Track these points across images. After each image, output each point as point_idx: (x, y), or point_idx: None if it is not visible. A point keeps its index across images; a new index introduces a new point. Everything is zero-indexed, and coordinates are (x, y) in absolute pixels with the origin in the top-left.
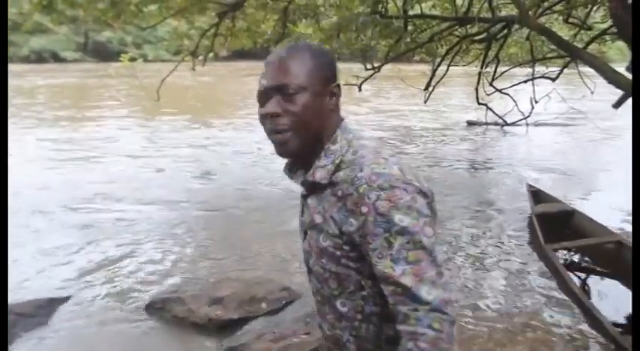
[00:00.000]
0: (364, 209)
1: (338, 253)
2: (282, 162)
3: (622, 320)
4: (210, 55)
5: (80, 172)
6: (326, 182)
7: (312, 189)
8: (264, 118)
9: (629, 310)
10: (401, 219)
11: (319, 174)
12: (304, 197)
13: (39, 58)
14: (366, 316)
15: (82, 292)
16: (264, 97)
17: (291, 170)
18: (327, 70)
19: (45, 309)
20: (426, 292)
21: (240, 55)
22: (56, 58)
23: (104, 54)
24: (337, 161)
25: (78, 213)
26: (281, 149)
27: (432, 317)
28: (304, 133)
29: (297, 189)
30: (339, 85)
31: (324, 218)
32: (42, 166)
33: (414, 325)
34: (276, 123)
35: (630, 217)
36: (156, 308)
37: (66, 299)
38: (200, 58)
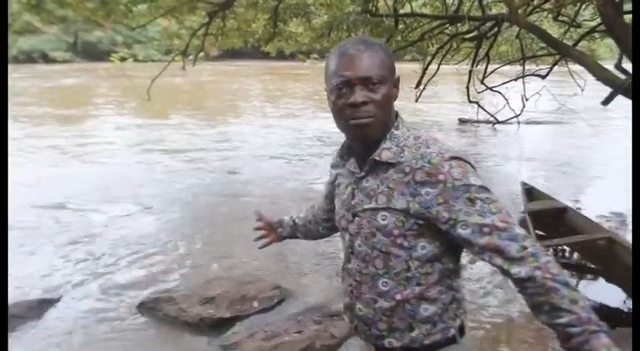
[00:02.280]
0: (441, 177)
1: (396, 231)
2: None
3: (611, 317)
4: (201, 54)
5: (71, 171)
6: (394, 161)
7: (373, 170)
8: (348, 107)
9: (619, 305)
10: (475, 180)
11: (385, 154)
12: (357, 181)
13: (28, 58)
14: (405, 296)
15: (72, 292)
16: (344, 86)
17: (342, 158)
18: (392, 63)
19: (35, 310)
20: (519, 229)
21: (231, 54)
22: (46, 59)
23: (94, 54)
24: (401, 144)
25: (68, 212)
26: (364, 133)
27: (539, 247)
28: (383, 119)
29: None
30: (399, 77)
31: (390, 196)
32: (42, 163)
33: (534, 261)
34: (362, 110)
35: (621, 215)
36: (147, 308)
37: (56, 300)
38: (190, 57)
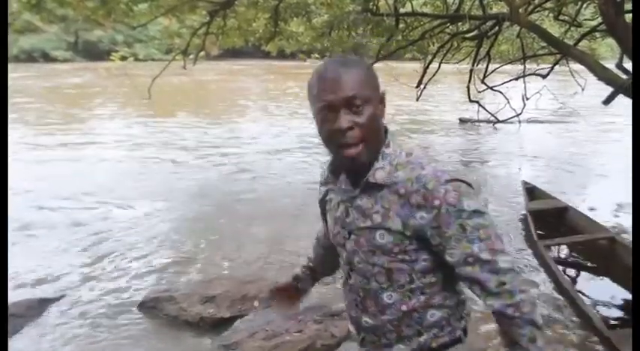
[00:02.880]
0: (436, 202)
1: (396, 248)
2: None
3: (613, 316)
4: (202, 53)
5: (72, 169)
6: (388, 182)
7: (366, 190)
8: (334, 133)
9: (620, 305)
10: (469, 204)
11: (379, 175)
12: (350, 199)
13: (29, 57)
14: (412, 306)
15: (73, 291)
16: (327, 111)
17: (334, 174)
18: (375, 79)
19: (36, 309)
20: (503, 261)
21: (231, 53)
22: (46, 58)
23: (95, 53)
24: (394, 163)
25: (67, 211)
26: (354, 162)
27: (518, 281)
28: (373, 142)
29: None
30: (384, 93)
31: (385, 216)
32: (50, 161)
33: (509, 298)
34: (348, 136)
35: (622, 213)
36: (148, 307)
37: (57, 299)
38: (191, 56)
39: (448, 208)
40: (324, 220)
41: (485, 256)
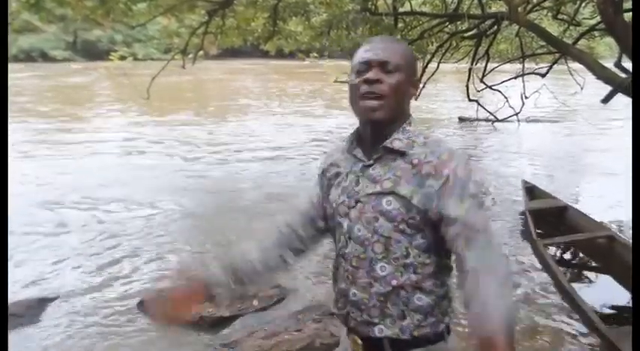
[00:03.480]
0: (446, 171)
1: (399, 217)
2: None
3: (612, 314)
4: (201, 53)
5: (73, 169)
6: (404, 150)
7: (381, 159)
8: (363, 82)
9: (619, 303)
10: (472, 187)
11: (397, 143)
12: (362, 169)
13: (27, 56)
14: (402, 282)
15: (72, 291)
16: (363, 68)
17: (351, 144)
18: (414, 65)
19: (35, 309)
20: (491, 235)
21: (230, 53)
22: (45, 57)
23: (94, 53)
24: (412, 139)
25: (66, 210)
26: (373, 111)
27: (497, 252)
28: (393, 104)
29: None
30: (419, 81)
31: (396, 183)
32: (42, 161)
33: (488, 260)
34: (374, 87)
35: (621, 212)
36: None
37: (56, 299)
38: (190, 56)
39: (455, 180)
40: (321, 194)
41: (474, 221)
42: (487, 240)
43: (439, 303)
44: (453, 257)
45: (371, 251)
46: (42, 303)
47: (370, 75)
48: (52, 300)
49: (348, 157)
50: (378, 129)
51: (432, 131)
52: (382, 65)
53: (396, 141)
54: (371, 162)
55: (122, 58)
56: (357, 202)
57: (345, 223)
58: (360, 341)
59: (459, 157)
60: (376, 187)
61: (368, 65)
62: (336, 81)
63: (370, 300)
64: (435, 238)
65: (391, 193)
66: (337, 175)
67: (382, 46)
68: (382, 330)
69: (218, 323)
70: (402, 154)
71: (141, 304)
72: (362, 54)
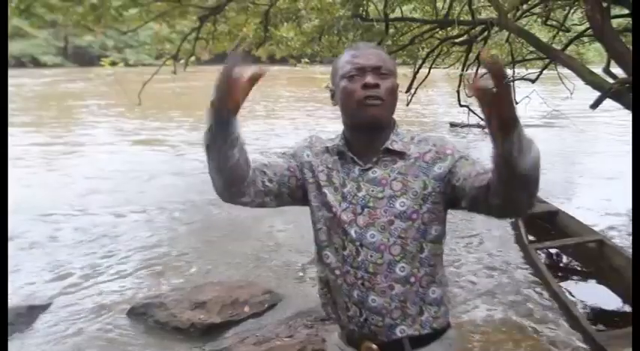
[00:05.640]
0: (449, 151)
1: (415, 215)
2: None
3: (601, 318)
4: (192, 58)
5: (55, 177)
6: (404, 150)
7: (379, 161)
8: (362, 87)
9: (609, 308)
10: (469, 154)
11: (396, 145)
12: (361, 174)
13: (18, 62)
14: (419, 278)
15: (62, 298)
16: (355, 73)
17: (341, 149)
18: (396, 69)
19: (25, 317)
20: None
21: (222, 58)
22: (36, 63)
23: (85, 58)
24: (405, 140)
25: (57, 217)
26: (372, 114)
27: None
28: (389, 108)
29: None
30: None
31: (405, 181)
32: (36, 167)
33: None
34: (375, 91)
35: (611, 216)
36: (138, 313)
37: (46, 306)
38: (182, 61)
39: (460, 153)
40: (287, 166)
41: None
42: None
43: (446, 292)
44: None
45: (388, 255)
46: (31, 311)
47: (369, 79)
48: (41, 307)
49: (340, 161)
50: (377, 132)
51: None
52: (376, 70)
53: (394, 143)
54: (369, 165)
55: (113, 63)
56: (364, 207)
57: (353, 231)
58: (374, 346)
59: (449, 141)
60: (385, 191)
61: (362, 71)
62: (327, 87)
63: (392, 303)
64: (444, 224)
65: (403, 193)
66: (330, 176)
67: (372, 52)
68: (404, 330)
69: (209, 330)
70: (400, 154)
71: (131, 312)
72: (352, 59)
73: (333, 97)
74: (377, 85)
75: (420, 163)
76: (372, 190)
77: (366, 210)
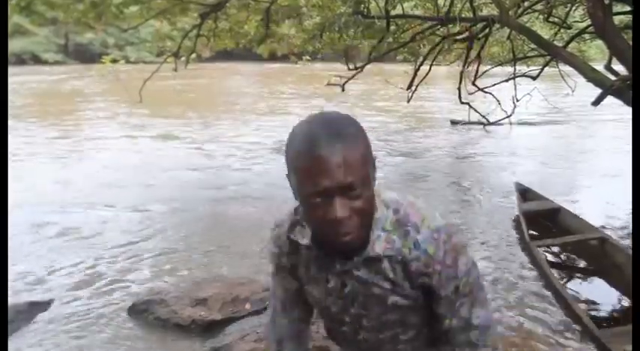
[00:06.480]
0: (437, 267)
1: (410, 305)
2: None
3: (603, 315)
4: (193, 55)
5: (54, 173)
6: (388, 254)
7: (359, 265)
8: (329, 223)
9: (610, 305)
10: (464, 262)
11: (378, 247)
12: (345, 272)
13: (18, 59)
14: (425, 333)
15: (62, 295)
16: (317, 197)
17: (313, 242)
18: (369, 144)
19: (24, 314)
20: (476, 318)
21: (223, 56)
22: (36, 60)
23: (86, 56)
24: (387, 228)
25: (56, 214)
26: (345, 248)
27: (484, 338)
28: (366, 226)
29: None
30: (375, 157)
31: (394, 283)
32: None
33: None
34: (345, 226)
35: (613, 213)
36: (138, 310)
37: (46, 303)
38: (182, 59)
39: (448, 272)
40: (287, 281)
41: (463, 312)
42: (465, 336)
43: None
44: None
45: (389, 331)
46: (32, 307)
47: (336, 213)
48: (42, 304)
49: (317, 257)
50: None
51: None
52: (344, 190)
53: (377, 244)
54: (351, 266)
55: (114, 61)
56: (353, 301)
57: (347, 318)
58: None
59: (443, 241)
60: (374, 289)
61: (328, 194)
62: (328, 84)
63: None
64: None
65: (393, 292)
66: (308, 273)
67: (337, 158)
68: None
69: (210, 327)
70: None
71: (132, 309)
72: (312, 175)
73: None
74: (348, 218)
75: (405, 270)
76: (359, 288)
77: (356, 303)
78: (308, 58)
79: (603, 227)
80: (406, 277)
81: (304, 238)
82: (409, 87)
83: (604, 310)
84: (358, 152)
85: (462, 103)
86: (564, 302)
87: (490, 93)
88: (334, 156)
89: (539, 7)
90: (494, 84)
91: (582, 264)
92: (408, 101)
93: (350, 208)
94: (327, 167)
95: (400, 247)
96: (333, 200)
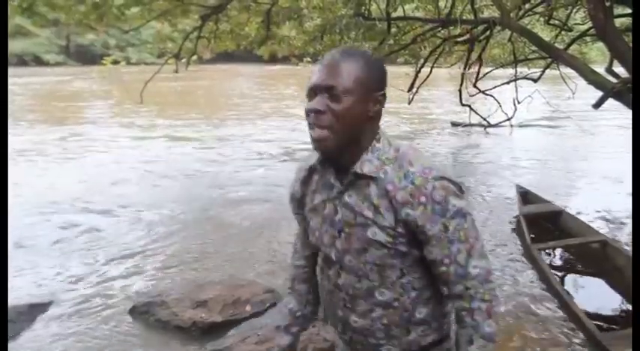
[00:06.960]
0: (422, 199)
1: (389, 244)
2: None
3: (605, 318)
4: (194, 57)
5: (56, 175)
6: (374, 175)
7: (354, 184)
8: (306, 113)
9: (612, 308)
10: (454, 203)
11: (367, 167)
12: (338, 195)
13: (20, 61)
14: (402, 302)
15: (63, 297)
16: (312, 93)
17: (320, 168)
18: (375, 78)
19: (25, 315)
20: (474, 267)
21: (224, 57)
22: (38, 61)
23: (87, 57)
24: (383, 157)
25: (56, 216)
26: (318, 144)
27: (484, 289)
28: (341, 133)
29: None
30: (384, 94)
31: (377, 213)
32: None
33: (468, 302)
34: (318, 119)
35: (614, 217)
36: (139, 312)
37: (47, 305)
38: (183, 60)
39: (434, 206)
40: (301, 220)
41: (460, 259)
42: (464, 284)
43: (439, 308)
44: None
45: (366, 280)
46: (32, 309)
47: (313, 104)
48: (42, 306)
49: (322, 180)
50: (333, 158)
51: (413, 142)
52: (327, 90)
53: (365, 164)
54: (344, 188)
55: (115, 62)
56: (340, 232)
57: (333, 254)
58: None
59: (434, 176)
60: (357, 218)
61: (312, 91)
62: None
63: (373, 325)
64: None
65: (375, 223)
66: (313, 199)
67: (331, 67)
68: (390, 349)
69: (210, 329)
70: (373, 178)
71: (133, 311)
72: (311, 75)
73: None
74: (320, 112)
75: (392, 199)
76: (347, 216)
77: (342, 234)
78: (309, 59)
79: (600, 227)
80: (391, 208)
81: (315, 160)
82: (410, 89)
83: (606, 314)
84: (352, 68)
85: (463, 105)
86: (565, 305)
87: (491, 95)
88: (329, 64)
89: (540, 9)
90: (495, 86)
91: (584, 267)
92: (409, 103)
93: (327, 106)
94: (320, 71)
95: (393, 177)
96: (315, 97)
